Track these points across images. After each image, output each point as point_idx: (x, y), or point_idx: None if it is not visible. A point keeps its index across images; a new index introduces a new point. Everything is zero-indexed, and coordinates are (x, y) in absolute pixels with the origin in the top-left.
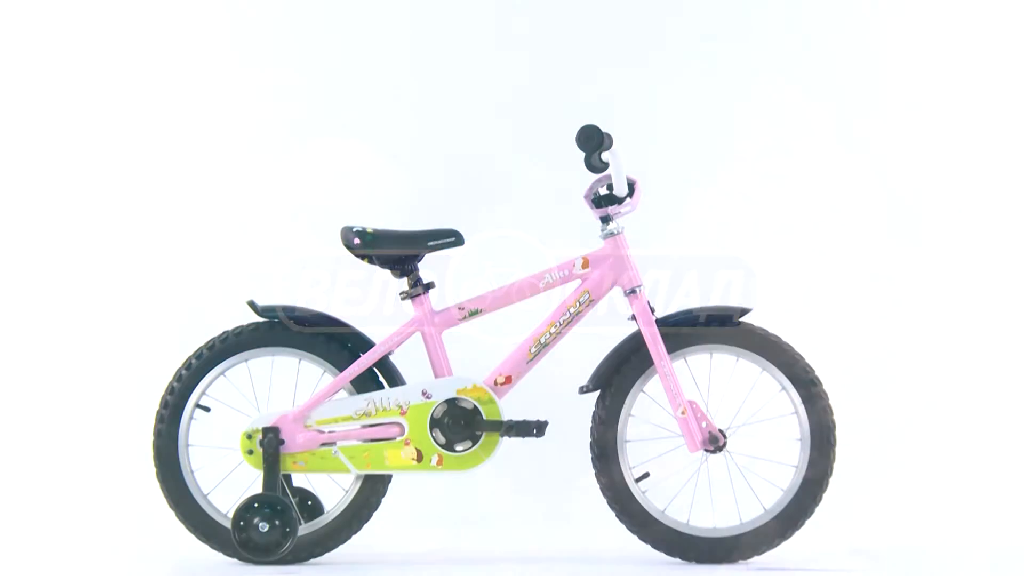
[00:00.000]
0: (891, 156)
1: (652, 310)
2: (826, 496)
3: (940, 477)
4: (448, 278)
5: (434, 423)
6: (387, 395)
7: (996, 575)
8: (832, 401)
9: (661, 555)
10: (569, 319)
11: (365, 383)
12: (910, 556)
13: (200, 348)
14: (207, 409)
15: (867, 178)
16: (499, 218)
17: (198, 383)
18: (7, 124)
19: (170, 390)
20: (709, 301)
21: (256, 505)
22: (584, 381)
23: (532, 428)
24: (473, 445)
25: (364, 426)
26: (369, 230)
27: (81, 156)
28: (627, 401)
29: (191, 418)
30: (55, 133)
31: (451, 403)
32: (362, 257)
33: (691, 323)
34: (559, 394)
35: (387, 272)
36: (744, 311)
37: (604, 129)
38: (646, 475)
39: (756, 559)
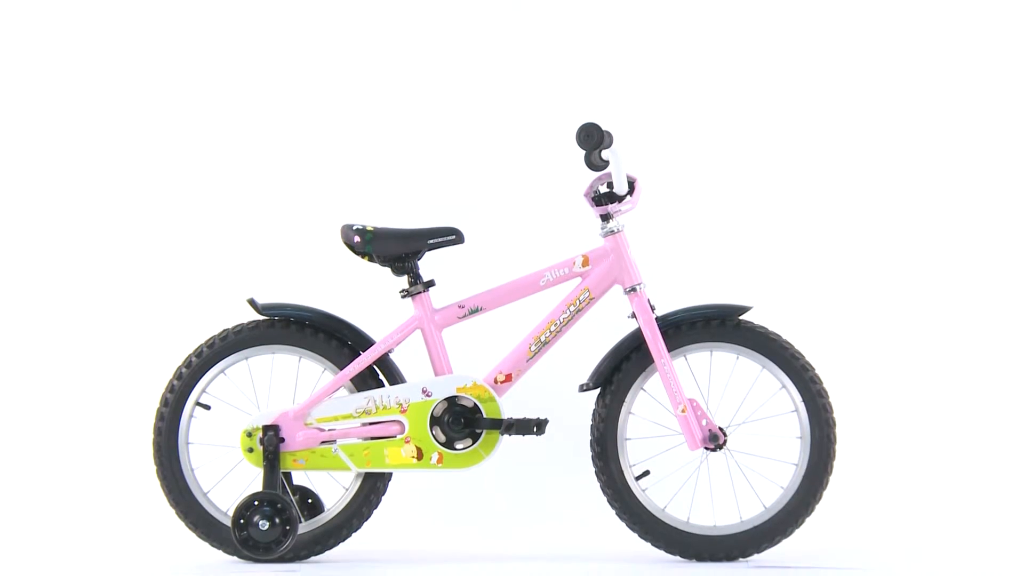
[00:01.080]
0: (892, 153)
1: (652, 308)
2: (826, 494)
3: (941, 475)
4: (448, 276)
5: (434, 421)
6: (387, 393)
7: (996, 574)
8: (832, 399)
9: (661, 553)
10: (569, 317)
11: (365, 381)
12: (910, 555)
13: (200, 346)
14: (207, 407)
15: (868, 175)
16: (499, 216)
17: (198, 381)
18: (7, 124)
19: (170, 388)
20: (709, 299)
21: (256, 503)
22: (584, 379)
23: (532, 426)
24: (473, 443)
25: (364, 424)
26: (369, 228)
27: (81, 155)
28: (627, 399)
29: (191, 416)
30: (55, 133)
31: (451, 401)
32: (362, 255)
33: (691, 321)
34: (559, 392)
35: (387, 270)
36: (744, 309)
37: (604, 127)
38: (646, 473)
39: (756, 557)
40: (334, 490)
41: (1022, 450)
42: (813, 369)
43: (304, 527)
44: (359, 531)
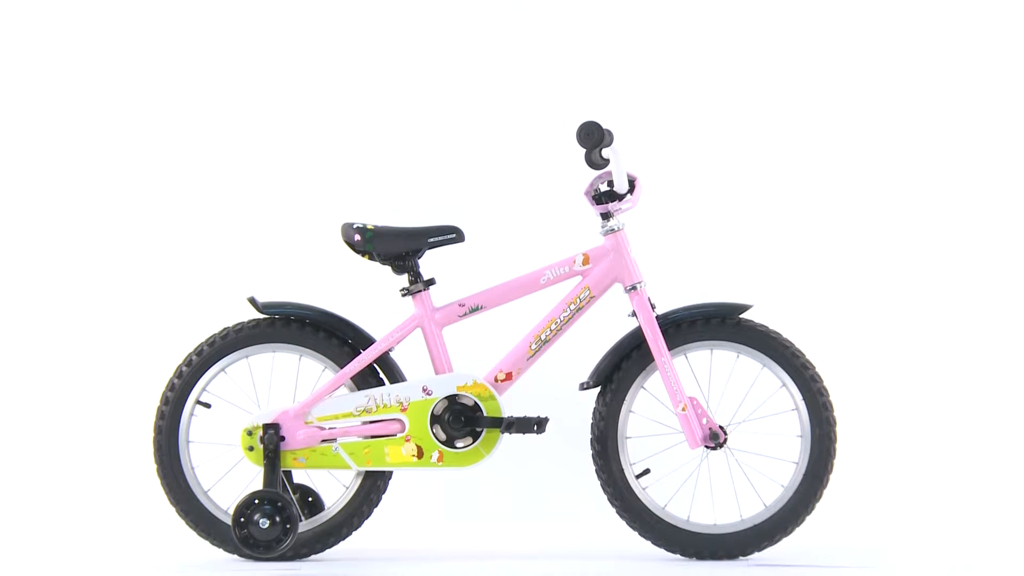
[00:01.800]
0: (891, 152)
1: (653, 306)
2: (826, 492)
3: (941, 473)
4: (449, 274)
5: (435, 419)
6: (388, 391)
7: (996, 572)
8: (832, 397)
9: (661, 551)
10: (570, 316)
11: (366, 379)
12: (910, 553)
13: (201, 344)
14: (208, 405)
15: (868, 175)
16: (499, 215)
17: (199, 379)
18: (7, 124)
19: (171, 386)
20: (709, 298)
21: (257, 501)
22: (585, 377)
23: (533, 424)
24: (473, 442)
25: (365, 422)
26: (370, 226)
27: (82, 154)
28: (627, 397)
29: (192, 414)
30: (55, 132)
31: (451, 399)
32: (362, 254)
33: (691, 320)
34: (560, 391)
35: (387, 268)
36: (744, 308)
37: (605, 126)
38: (646, 471)
39: (756, 555)
40: (334, 488)
41: (1022, 450)
42: (813, 368)
43: (304, 525)
44: (360, 529)
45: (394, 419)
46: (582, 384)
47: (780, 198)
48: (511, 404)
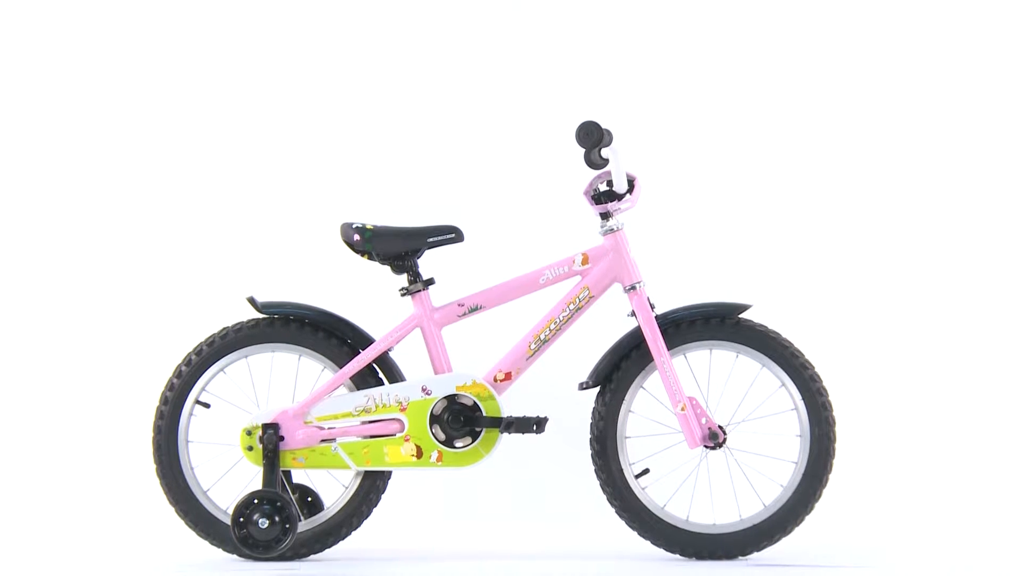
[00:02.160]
0: (891, 152)
1: (652, 306)
2: (826, 492)
3: (941, 475)
4: (448, 274)
5: (434, 419)
6: (387, 391)
7: (996, 571)
8: (832, 397)
9: (660, 551)
10: (569, 315)
11: (365, 379)
12: (910, 553)
13: (200, 344)
14: (207, 405)
15: (867, 174)
16: (499, 215)
17: (198, 379)
18: (7, 124)
19: (170, 386)
20: (709, 297)
21: (256, 501)
22: (584, 377)
23: (532, 424)
24: (473, 441)
25: (364, 422)
26: (369, 226)
27: (82, 153)
28: (627, 397)
29: (191, 414)
30: (55, 132)
31: (451, 399)
32: (362, 253)
33: (691, 319)
34: (559, 390)
35: (387, 268)
36: (744, 307)
37: (604, 125)
38: (646, 471)
39: (756, 555)
40: (334, 488)
41: (1022, 450)
42: (812, 367)
43: (304, 525)
44: (359, 529)
45: (393, 419)
46: (581, 384)
47: (779, 198)
48: (510, 404)
